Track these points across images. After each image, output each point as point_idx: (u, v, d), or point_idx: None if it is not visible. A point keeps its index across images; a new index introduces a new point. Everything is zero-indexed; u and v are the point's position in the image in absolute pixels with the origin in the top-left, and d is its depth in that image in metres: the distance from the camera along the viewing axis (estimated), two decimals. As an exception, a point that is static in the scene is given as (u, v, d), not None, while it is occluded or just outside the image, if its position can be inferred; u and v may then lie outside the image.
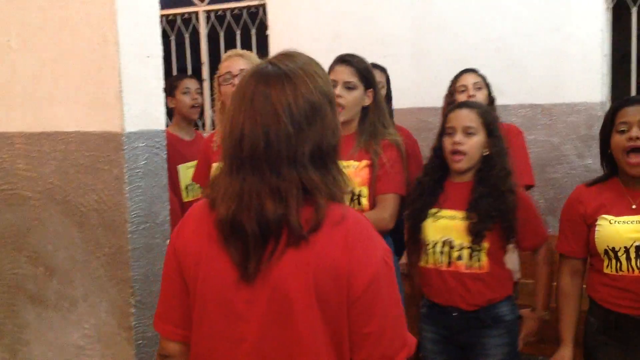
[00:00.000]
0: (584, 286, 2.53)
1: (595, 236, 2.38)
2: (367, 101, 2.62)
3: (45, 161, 2.29)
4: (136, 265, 2.15)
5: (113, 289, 2.16)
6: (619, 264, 2.33)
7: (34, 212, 2.35)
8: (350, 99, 2.58)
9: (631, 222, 2.32)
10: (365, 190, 2.56)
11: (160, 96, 2.20)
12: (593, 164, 4.13)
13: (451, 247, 2.47)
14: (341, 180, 1.40)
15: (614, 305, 2.36)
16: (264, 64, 1.42)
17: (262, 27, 5.23)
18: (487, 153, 2.51)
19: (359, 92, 2.60)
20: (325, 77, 1.44)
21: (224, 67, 2.81)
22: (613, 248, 2.33)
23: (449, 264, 2.48)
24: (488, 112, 2.60)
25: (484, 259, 2.46)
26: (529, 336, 2.58)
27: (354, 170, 2.53)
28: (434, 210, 2.51)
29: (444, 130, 2.56)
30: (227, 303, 1.38)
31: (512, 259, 2.66)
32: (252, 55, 2.86)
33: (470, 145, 2.49)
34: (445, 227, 2.48)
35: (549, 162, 4.19)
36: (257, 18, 5.26)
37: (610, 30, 4.09)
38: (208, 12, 5.64)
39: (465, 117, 2.51)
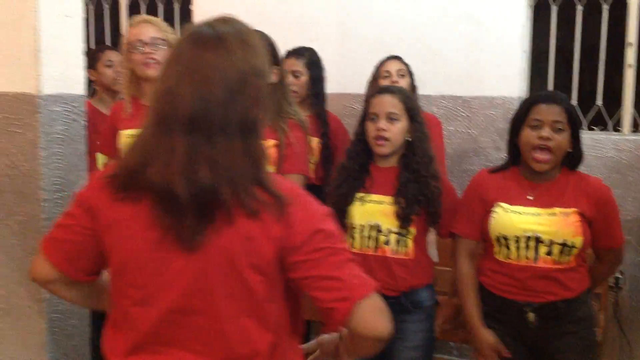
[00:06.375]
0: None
1: (491, 222, 2.42)
2: (273, 78, 2.53)
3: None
4: (50, 236, 2.03)
5: (26, 259, 2.04)
6: (508, 252, 2.38)
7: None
8: None
9: (525, 214, 2.38)
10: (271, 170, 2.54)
11: (81, 59, 2.10)
12: (508, 157, 4.21)
13: (379, 232, 2.46)
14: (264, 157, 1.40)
15: (500, 291, 2.42)
16: (201, 26, 1.37)
17: (186, 1, 5.08)
18: (410, 139, 2.53)
19: None
20: (261, 48, 1.40)
21: (133, 35, 2.65)
22: (505, 236, 2.38)
23: (376, 248, 2.47)
24: (410, 98, 2.61)
25: (411, 245, 2.47)
26: (445, 323, 2.62)
27: None
28: (360, 194, 2.51)
29: (367, 116, 2.55)
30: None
31: (431, 246, 2.70)
32: (160, 22, 2.75)
33: (394, 131, 2.49)
34: (373, 211, 2.47)
35: (466, 154, 4.24)
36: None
37: (530, 27, 4.18)
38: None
39: (388, 103, 2.52)
